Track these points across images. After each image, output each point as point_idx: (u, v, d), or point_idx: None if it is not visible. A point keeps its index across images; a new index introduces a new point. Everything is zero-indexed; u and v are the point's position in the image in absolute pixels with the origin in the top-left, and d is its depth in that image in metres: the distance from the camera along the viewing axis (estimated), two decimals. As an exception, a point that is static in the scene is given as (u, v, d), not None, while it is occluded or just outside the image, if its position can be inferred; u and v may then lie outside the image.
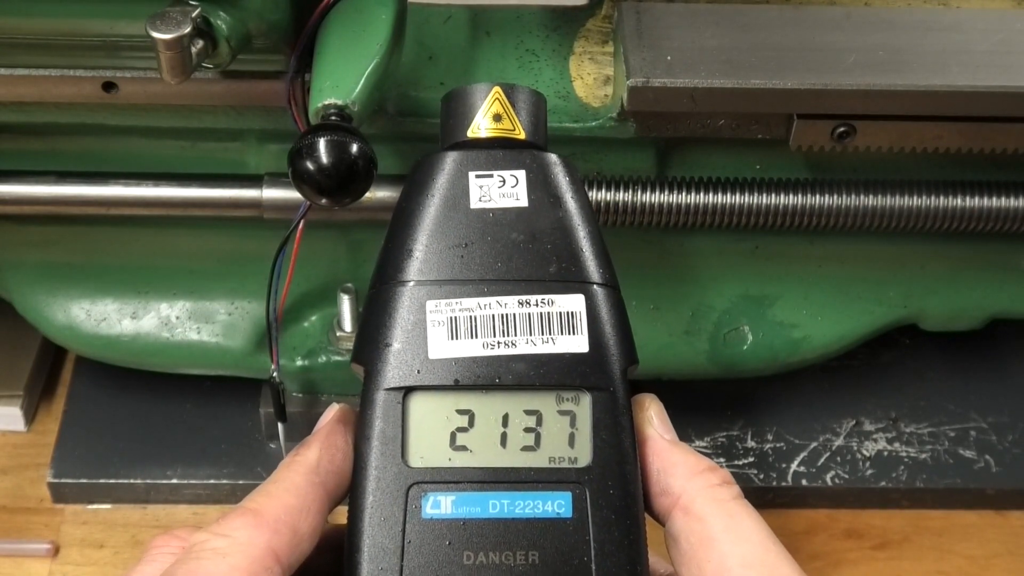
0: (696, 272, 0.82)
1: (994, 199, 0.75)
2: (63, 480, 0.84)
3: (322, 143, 0.60)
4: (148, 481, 0.84)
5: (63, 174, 0.75)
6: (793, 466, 0.86)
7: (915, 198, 0.75)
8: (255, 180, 0.75)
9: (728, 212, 0.74)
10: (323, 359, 0.82)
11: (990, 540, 0.85)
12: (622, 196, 0.74)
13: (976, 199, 0.75)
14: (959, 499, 0.86)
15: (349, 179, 0.61)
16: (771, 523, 0.82)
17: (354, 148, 0.60)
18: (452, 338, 0.52)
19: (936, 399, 0.90)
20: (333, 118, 0.62)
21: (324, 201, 0.61)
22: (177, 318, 0.81)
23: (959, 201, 0.75)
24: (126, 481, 0.84)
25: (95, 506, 0.85)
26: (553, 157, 0.55)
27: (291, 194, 0.72)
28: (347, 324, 0.80)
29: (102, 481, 0.84)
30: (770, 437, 0.88)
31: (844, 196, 0.75)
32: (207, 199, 0.75)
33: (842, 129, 0.70)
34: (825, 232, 0.77)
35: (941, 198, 0.75)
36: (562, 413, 0.52)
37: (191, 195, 0.75)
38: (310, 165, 0.60)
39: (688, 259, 0.81)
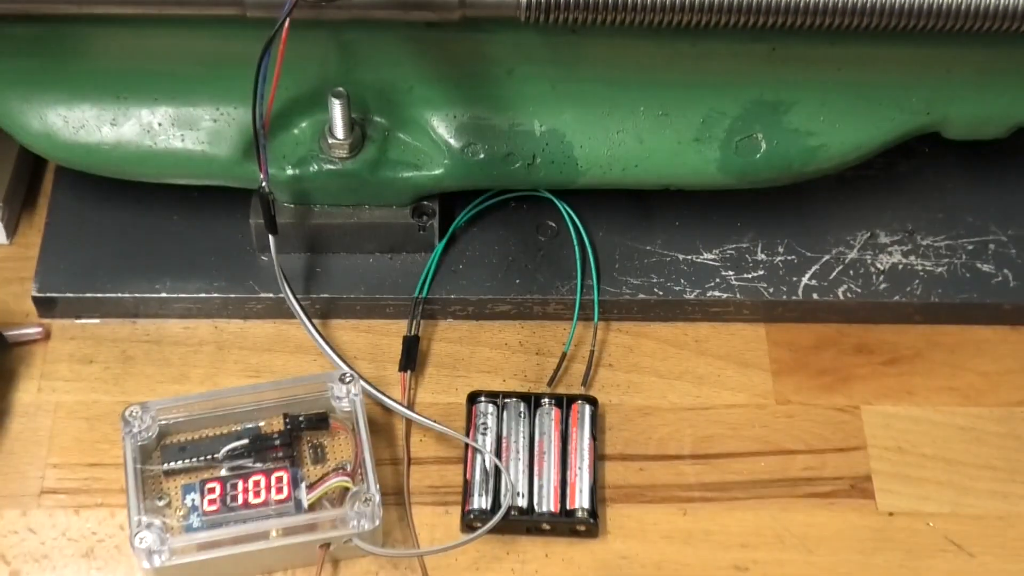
0: (708, 76, 0.78)
1: (1028, -4, 0.71)
2: (48, 294, 0.82)
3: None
4: (137, 295, 0.82)
5: (34, -31, 0.71)
6: (804, 279, 0.84)
7: (943, -6, 0.71)
8: (237, -26, 0.71)
9: (744, 9, 0.70)
10: (314, 168, 0.79)
11: (1004, 356, 0.84)
12: (631, -8, 0.70)
13: (1009, -4, 0.71)
14: (974, 314, 0.85)
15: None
16: (779, 338, 0.84)
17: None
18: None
19: (954, 211, 0.88)
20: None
21: (309, -6, 0.58)
22: (159, 125, 0.78)
23: (990, -3, 0.71)
24: (114, 295, 0.82)
25: (83, 321, 0.84)
26: None
27: (275, -11, 0.68)
28: (339, 131, 0.77)
29: (89, 295, 0.82)
30: (781, 250, 0.86)
31: (868, -8, 0.70)
32: (186, -5, 0.71)
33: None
34: (847, 33, 0.72)
35: (971, -6, 0.71)
36: None
37: (169, -9, 0.71)
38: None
39: (700, 62, 0.77)
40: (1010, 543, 0.76)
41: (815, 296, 0.84)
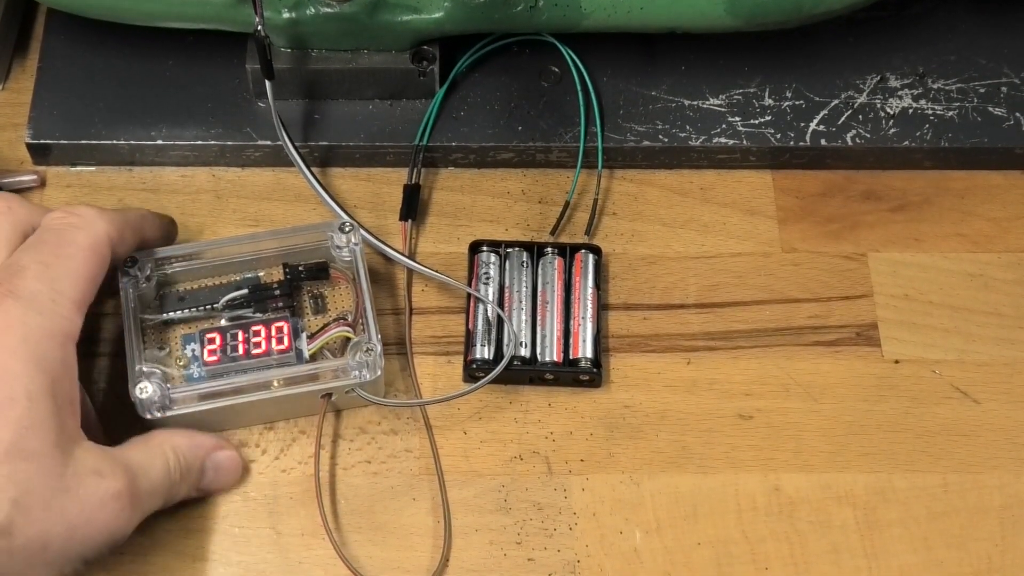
0: (716, -88, 0.75)
1: None
2: (42, 141, 0.81)
3: None
4: (132, 142, 0.81)
5: None
6: (812, 125, 0.83)
7: None
8: None
9: None
10: (311, 11, 0.77)
11: (1013, 201, 0.83)
12: None
13: None
14: (985, 159, 0.83)
15: None
16: (786, 184, 0.82)
17: None
18: None
19: (967, 53, 0.85)
20: None
21: None
22: (151, -35, 0.76)
23: None
24: (109, 142, 0.81)
25: (78, 168, 0.82)
26: None
27: None
28: (335, -27, 0.75)
29: (84, 142, 0.81)
30: (789, 94, 0.84)
31: None
32: None
33: None
34: None
35: None
36: None
37: None
38: None
39: (708, -102, 0.75)
40: (1016, 390, 0.76)
41: (823, 142, 0.82)
